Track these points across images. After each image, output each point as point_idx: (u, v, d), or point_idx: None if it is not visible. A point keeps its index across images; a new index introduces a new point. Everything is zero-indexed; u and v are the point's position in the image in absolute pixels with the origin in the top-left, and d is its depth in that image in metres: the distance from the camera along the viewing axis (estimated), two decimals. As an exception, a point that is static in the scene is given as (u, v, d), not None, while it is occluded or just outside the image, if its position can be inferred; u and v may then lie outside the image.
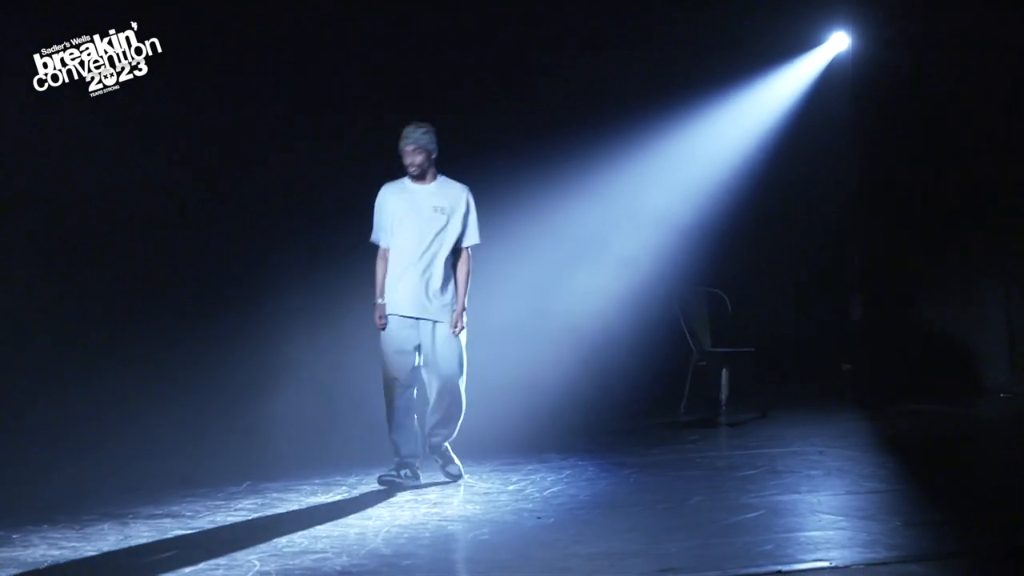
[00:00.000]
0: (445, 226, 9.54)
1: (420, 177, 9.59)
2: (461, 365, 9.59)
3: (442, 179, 9.67)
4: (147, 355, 12.98)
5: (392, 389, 9.52)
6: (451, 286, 9.58)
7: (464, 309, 9.60)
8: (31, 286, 12.62)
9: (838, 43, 15.46)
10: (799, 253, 15.98)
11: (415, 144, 9.51)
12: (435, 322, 9.50)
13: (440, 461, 9.75)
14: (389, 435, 9.64)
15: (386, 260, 9.61)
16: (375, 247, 9.72)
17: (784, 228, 15.86)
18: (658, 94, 14.79)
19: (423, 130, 9.54)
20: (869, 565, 6.75)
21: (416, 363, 9.55)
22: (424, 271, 9.46)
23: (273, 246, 13.47)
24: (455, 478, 9.66)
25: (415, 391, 9.62)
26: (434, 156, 9.61)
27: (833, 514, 8.14)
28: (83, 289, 12.80)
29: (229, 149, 13.26)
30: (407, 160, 9.54)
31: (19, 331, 12.87)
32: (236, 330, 13.20)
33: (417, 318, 9.48)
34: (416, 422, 9.64)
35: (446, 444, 9.76)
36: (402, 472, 9.53)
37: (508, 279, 13.05)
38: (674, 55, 14.95)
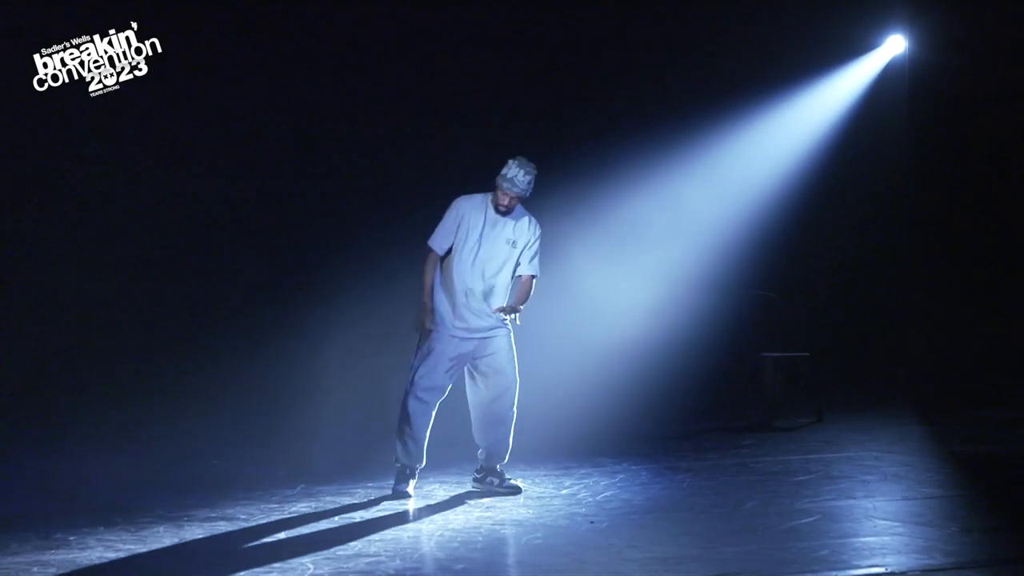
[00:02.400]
0: (512, 258, 9.44)
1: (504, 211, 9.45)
2: (516, 376, 9.47)
3: (518, 209, 9.48)
4: (202, 361, 13.10)
5: (426, 399, 9.33)
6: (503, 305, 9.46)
7: (516, 312, 9.43)
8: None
9: (895, 47, 15.38)
10: (854, 256, 15.90)
11: (518, 194, 9.31)
12: (490, 338, 9.39)
13: (497, 480, 9.52)
14: (406, 443, 9.36)
15: (435, 266, 9.44)
16: (426, 248, 9.46)
17: (840, 231, 15.79)
18: (714, 98, 14.78)
19: (529, 179, 9.31)
20: (926, 571, 6.70)
21: (454, 377, 9.46)
22: (485, 298, 9.34)
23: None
24: (517, 492, 9.51)
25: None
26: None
27: (889, 520, 8.09)
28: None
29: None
30: (502, 200, 9.32)
31: (72, 339, 13.04)
32: (290, 336, 13.29)
33: (471, 338, 9.37)
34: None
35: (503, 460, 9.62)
36: (411, 482, 9.44)
37: (559, 284, 13.03)
38: (729, 59, 14.95)
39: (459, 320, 9.32)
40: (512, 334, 9.48)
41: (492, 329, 9.39)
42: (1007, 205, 14.85)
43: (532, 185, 9.34)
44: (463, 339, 9.33)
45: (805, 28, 14.99)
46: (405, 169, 14.08)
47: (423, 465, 9.44)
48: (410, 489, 9.35)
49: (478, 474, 9.56)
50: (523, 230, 9.47)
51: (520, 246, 9.46)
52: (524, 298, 9.52)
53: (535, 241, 9.52)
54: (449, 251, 9.45)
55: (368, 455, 11.04)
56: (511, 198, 9.32)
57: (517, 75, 14.40)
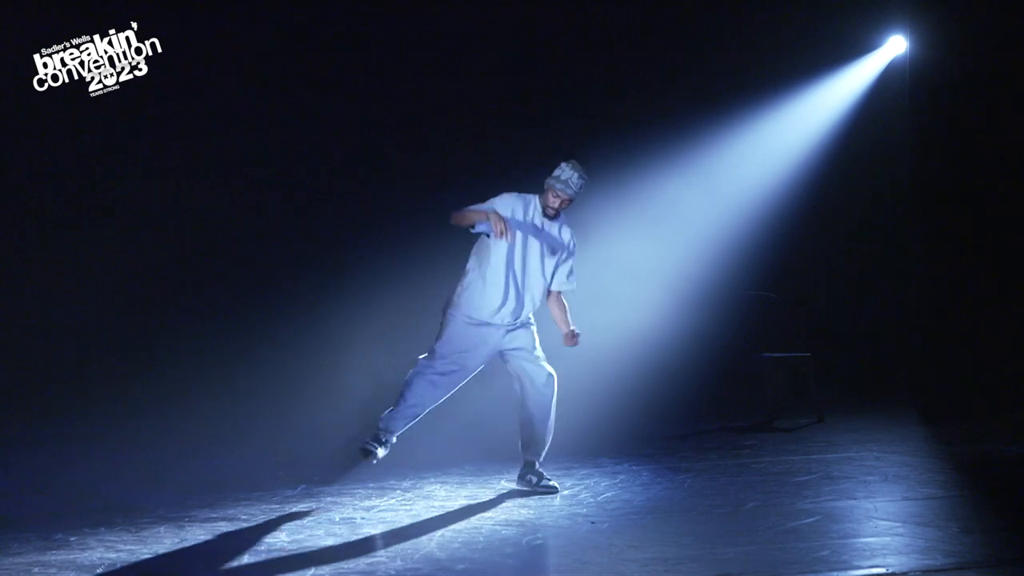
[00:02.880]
0: (548, 265, 9.40)
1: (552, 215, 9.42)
2: (548, 368, 9.45)
3: (561, 216, 9.46)
4: (204, 360, 13.10)
5: (435, 380, 9.30)
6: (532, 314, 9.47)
7: (576, 333, 9.40)
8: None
9: (895, 47, 15.37)
10: (855, 256, 15.90)
11: (571, 196, 9.29)
12: (513, 331, 9.39)
13: (535, 479, 9.46)
14: (400, 412, 9.31)
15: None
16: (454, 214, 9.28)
17: (841, 232, 15.79)
18: (714, 99, 14.78)
19: (582, 182, 9.29)
20: (927, 572, 6.71)
21: (471, 371, 9.44)
22: (517, 302, 9.30)
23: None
24: (554, 491, 9.42)
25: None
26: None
27: (890, 520, 8.09)
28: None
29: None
30: (552, 202, 9.29)
31: (72, 339, 13.05)
32: (290, 336, 13.28)
33: (500, 324, 9.34)
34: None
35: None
36: (380, 450, 9.30)
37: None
38: (729, 61, 14.95)
39: (479, 310, 9.31)
40: (535, 328, 9.50)
41: (512, 329, 9.39)
42: (1008, 205, 14.81)
43: (583, 189, 9.34)
44: (476, 325, 9.31)
45: (805, 28, 14.99)
46: (411, 168, 14.09)
47: (395, 436, 9.34)
48: (379, 453, 9.26)
49: (523, 470, 9.51)
50: (563, 239, 9.46)
51: (557, 254, 9.43)
52: (563, 309, 9.54)
53: (572, 254, 9.51)
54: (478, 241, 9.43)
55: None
56: (563, 200, 9.29)
57: (515, 78, 14.40)
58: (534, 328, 9.53)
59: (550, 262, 9.42)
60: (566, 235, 9.49)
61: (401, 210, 13.74)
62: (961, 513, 8.42)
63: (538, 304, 9.47)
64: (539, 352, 9.48)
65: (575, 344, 9.46)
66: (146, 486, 9.78)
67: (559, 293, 9.56)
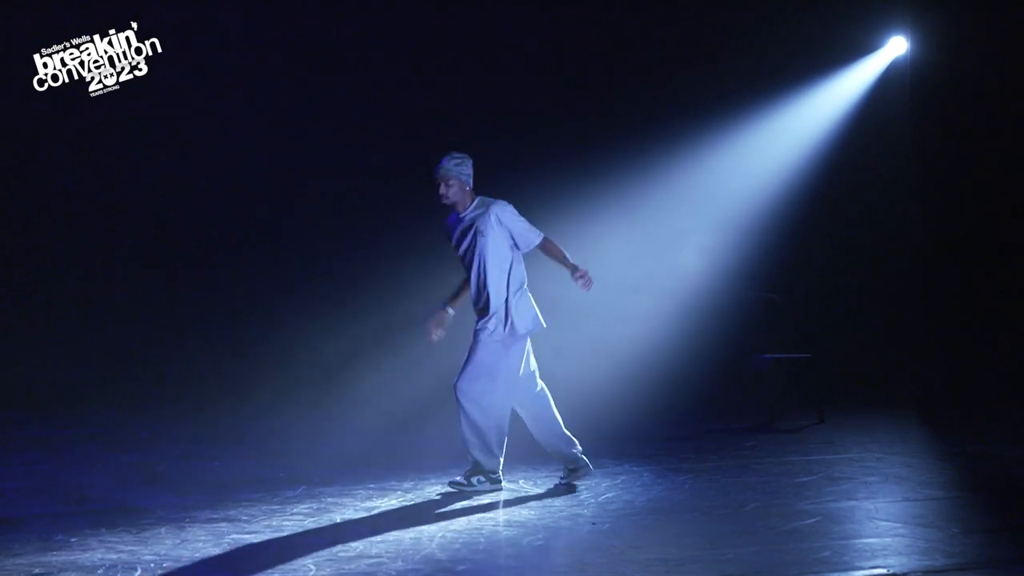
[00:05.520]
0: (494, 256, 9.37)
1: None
2: (494, 384, 9.44)
3: (474, 204, 9.42)
4: (203, 362, 13.10)
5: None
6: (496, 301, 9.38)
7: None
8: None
9: (896, 48, 15.38)
10: (856, 257, 15.91)
11: (434, 177, 9.29)
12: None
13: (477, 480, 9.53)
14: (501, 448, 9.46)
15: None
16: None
17: (842, 232, 15.80)
18: (716, 100, 14.81)
19: (443, 162, 9.29)
20: (927, 572, 6.71)
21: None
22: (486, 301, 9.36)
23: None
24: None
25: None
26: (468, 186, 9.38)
27: (891, 521, 8.09)
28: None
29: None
30: (440, 196, 9.34)
31: (72, 339, 13.06)
32: (292, 336, 13.29)
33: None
34: None
35: None
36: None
37: (562, 285, 13.03)
38: (731, 62, 14.98)
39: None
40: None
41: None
42: (1009, 205, 14.83)
43: (446, 166, 9.26)
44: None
45: (807, 30, 15.00)
46: (411, 168, 14.12)
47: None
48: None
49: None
50: (491, 222, 9.31)
51: (494, 237, 9.31)
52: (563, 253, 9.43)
53: (503, 222, 9.33)
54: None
55: (369, 456, 11.03)
56: (437, 186, 9.28)
57: (516, 79, 14.41)
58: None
59: (495, 251, 9.31)
60: (490, 218, 9.28)
61: (406, 209, 13.72)
62: (962, 514, 8.42)
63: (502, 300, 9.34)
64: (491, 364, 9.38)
65: (587, 282, 9.39)
66: (146, 486, 9.77)
67: (540, 246, 9.43)
